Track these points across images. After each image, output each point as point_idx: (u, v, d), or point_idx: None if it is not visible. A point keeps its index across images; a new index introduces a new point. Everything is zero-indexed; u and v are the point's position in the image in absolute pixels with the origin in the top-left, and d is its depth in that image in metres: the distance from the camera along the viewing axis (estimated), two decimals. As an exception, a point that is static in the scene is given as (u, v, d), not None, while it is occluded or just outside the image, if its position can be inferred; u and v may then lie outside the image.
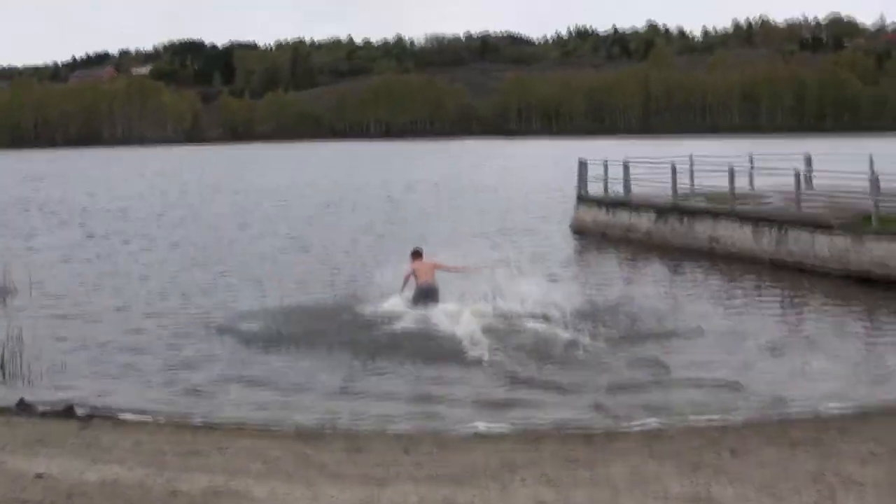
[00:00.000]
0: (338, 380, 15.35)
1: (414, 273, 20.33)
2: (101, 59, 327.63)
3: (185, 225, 42.18)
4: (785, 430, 12.31)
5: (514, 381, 15.22)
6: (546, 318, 18.98)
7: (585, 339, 17.49)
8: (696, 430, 12.51)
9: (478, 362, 16.23)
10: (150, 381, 15.46)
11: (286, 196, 59.50)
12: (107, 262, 29.89)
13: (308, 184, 71.86)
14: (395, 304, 19.86)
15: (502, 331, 18.30)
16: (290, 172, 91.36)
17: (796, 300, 22.49)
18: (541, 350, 16.99)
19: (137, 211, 49.42)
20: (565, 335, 17.77)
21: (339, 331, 18.47)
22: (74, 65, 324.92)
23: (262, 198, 57.68)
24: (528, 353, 16.78)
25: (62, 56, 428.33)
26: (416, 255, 20.83)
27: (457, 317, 18.88)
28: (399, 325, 18.76)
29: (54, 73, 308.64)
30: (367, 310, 19.77)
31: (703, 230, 29.61)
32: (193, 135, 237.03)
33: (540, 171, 79.19)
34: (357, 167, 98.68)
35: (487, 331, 18.10)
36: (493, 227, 38.20)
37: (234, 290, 24.15)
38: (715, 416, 13.17)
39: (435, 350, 17.08)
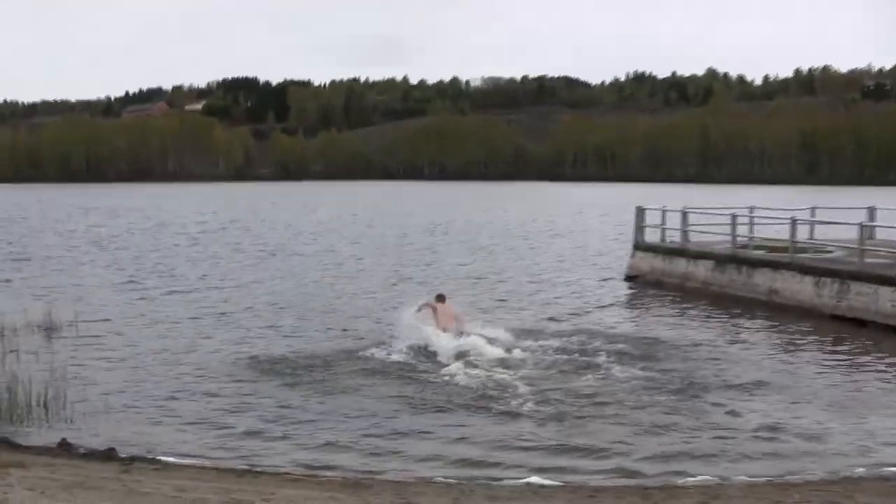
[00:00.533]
0: (383, 428, 15.07)
1: (434, 312, 21.37)
2: (153, 94, 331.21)
3: (243, 264, 41.94)
4: (850, 492, 11.82)
5: (568, 431, 14.85)
6: (601, 368, 18.76)
7: (643, 389, 17.23)
8: (756, 487, 12.12)
9: (529, 413, 15.90)
10: (192, 424, 15.28)
11: (358, 235, 59.78)
12: (156, 302, 29.67)
13: (368, 222, 72.28)
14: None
15: (557, 378, 18.16)
16: (355, 210, 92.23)
17: (859, 356, 21.78)
18: (596, 399, 16.68)
19: (192, 250, 49.27)
20: (622, 385, 17.56)
21: (386, 377, 18.47)
22: (127, 100, 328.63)
23: (336, 240, 56.63)
24: (583, 403, 16.46)
25: (115, 91, 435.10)
26: (440, 298, 22.23)
27: (504, 361, 19.10)
28: (444, 372, 18.63)
29: (107, 108, 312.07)
30: (412, 357, 19.91)
31: (762, 281, 29.04)
32: (244, 172, 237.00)
33: (597, 217, 78.85)
34: (423, 207, 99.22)
35: (542, 378, 18.00)
36: (552, 273, 38.17)
37: (282, 334, 23.88)
38: (775, 475, 12.75)
39: (482, 398, 16.83)
